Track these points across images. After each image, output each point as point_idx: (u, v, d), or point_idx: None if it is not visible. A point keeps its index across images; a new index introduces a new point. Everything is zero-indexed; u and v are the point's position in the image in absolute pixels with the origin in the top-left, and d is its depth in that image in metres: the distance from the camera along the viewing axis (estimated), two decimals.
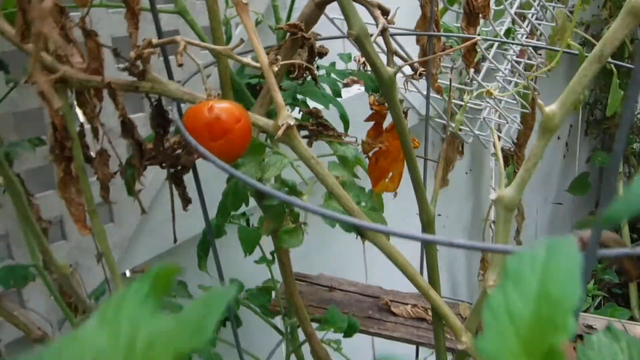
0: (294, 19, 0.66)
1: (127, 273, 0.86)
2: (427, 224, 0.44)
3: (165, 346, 0.11)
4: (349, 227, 0.44)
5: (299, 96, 0.63)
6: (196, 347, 0.11)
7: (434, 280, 0.46)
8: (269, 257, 0.67)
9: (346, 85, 1.10)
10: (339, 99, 0.67)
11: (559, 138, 1.67)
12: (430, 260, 0.45)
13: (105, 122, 0.52)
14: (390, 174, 0.48)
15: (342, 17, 0.85)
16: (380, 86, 0.41)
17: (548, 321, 0.11)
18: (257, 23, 0.71)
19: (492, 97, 0.95)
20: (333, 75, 0.76)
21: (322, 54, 0.54)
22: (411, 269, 0.44)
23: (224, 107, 0.38)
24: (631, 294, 1.52)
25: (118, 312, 0.12)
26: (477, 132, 1.04)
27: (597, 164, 1.72)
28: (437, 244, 0.29)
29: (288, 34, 0.50)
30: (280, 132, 0.39)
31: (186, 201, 0.50)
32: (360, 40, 0.39)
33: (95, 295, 0.58)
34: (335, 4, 0.57)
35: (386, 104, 0.47)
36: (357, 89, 1.01)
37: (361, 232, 0.44)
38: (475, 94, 0.64)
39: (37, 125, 0.69)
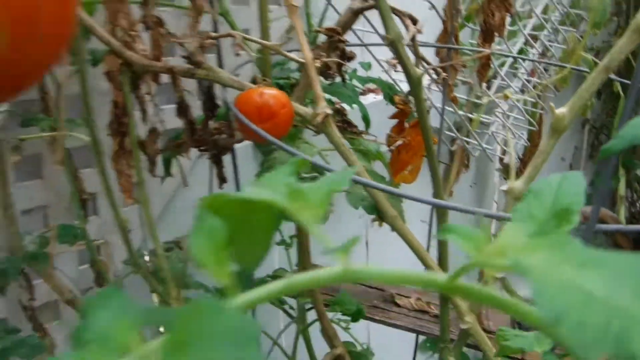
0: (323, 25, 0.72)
1: (146, 255, 0.91)
2: (441, 213, 0.49)
3: (317, 190, 0.16)
4: (371, 209, 0.49)
5: (326, 95, 0.68)
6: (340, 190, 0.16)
7: (443, 262, 0.51)
8: (283, 239, 0.72)
9: (362, 93, 1.16)
10: None
11: (563, 159, 1.73)
12: (441, 245, 0.50)
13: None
14: (410, 166, 0.53)
15: (363, 28, 0.91)
16: (409, 85, 0.46)
17: (559, 218, 0.16)
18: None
19: (504, 110, 1.01)
20: (354, 82, 0.82)
21: (351, 58, 0.59)
22: (423, 251, 0.49)
23: (273, 94, 0.44)
24: None
25: (272, 180, 0.17)
26: (484, 146, 1.09)
27: (600, 187, 1.77)
28: (452, 209, 0.34)
29: (319, 36, 0.55)
30: (319, 119, 0.44)
31: (222, 180, 0.55)
32: (395, 44, 0.45)
33: (132, 262, 0.63)
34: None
35: (409, 103, 0.52)
36: (373, 97, 1.07)
37: (381, 216, 0.49)
38: (493, 95, 0.69)
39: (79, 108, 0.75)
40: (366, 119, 0.65)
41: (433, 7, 0.81)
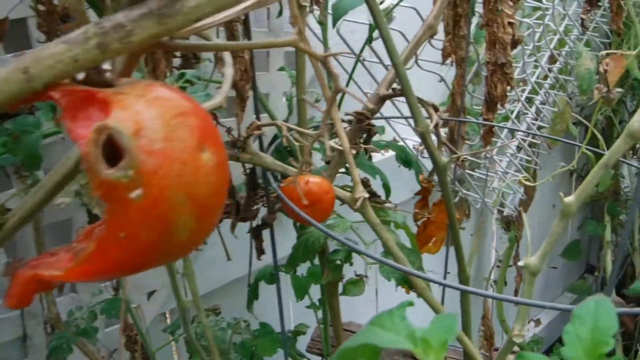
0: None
1: (167, 313, 0.95)
2: (464, 283, 0.55)
3: (435, 336, 0.21)
4: (401, 281, 0.54)
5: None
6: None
7: (467, 329, 0.56)
8: (313, 303, 0.76)
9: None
10: None
11: (554, 206, 1.81)
12: (465, 316, 0.56)
13: None
14: (434, 239, 0.59)
15: None
16: (436, 171, 0.52)
17: (599, 341, 0.21)
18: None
19: (503, 167, 1.08)
20: None
21: (374, 133, 0.66)
22: None
23: (317, 182, 0.49)
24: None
25: (389, 321, 0.22)
26: (485, 200, 1.16)
27: (588, 233, 1.85)
28: (480, 295, 0.39)
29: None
30: (358, 204, 0.49)
31: (261, 252, 0.60)
32: (424, 135, 0.51)
33: (171, 330, 0.67)
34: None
35: (432, 182, 0.58)
36: (381, 154, 1.14)
37: (411, 286, 0.55)
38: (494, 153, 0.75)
39: None
40: (387, 187, 0.71)
41: (442, 79, 0.88)
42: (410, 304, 0.23)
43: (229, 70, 0.33)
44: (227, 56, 0.36)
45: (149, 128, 0.19)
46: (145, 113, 0.20)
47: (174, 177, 0.19)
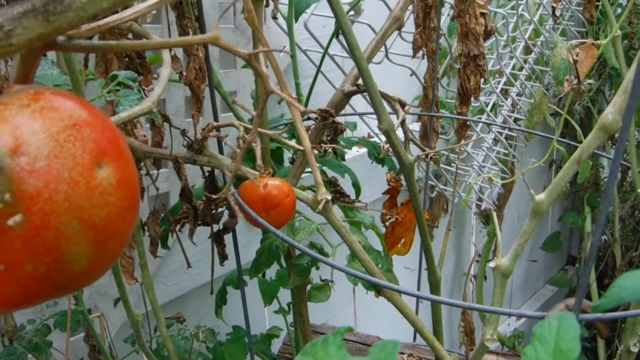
0: (313, 94, 0.76)
1: None
2: (435, 285, 0.53)
3: None
4: (369, 286, 0.52)
5: (318, 165, 0.71)
6: None
7: (438, 333, 0.54)
8: (281, 307, 0.74)
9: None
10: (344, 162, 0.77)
11: None
12: (435, 316, 0.53)
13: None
14: (403, 240, 0.56)
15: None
16: (402, 170, 0.50)
17: None
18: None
19: (480, 161, 1.06)
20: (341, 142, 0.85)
21: (342, 131, 0.63)
22: (419, 323, 0.52)
23: (277, 185, 0.46)
24: (599, 348, 1.61)
25: (323, 351, 0.19)
26: (462, 194, 1.14)
27: (568, 224, 1.85)
28: (449, 305, 0.37)
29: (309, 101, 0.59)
30: (320, 206, 0.47)
31: (223, 257, 0.57)
32: (388, 133, 0.48)
33: (131, 340, 0.64)
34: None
35: (400, 181, 0.56)
36: (357, 151, 1.11)
37: (379, 290, 0.52)
38: (469, 147, 0.73)
39: None
40: (357, 187, 0.68)
41: (414, 73, 0.86)
42: (349, 329, 0.21)
43: (165, 72, 0.30)
44: (165, 55, 0.33)
45: (30, 144, 0.17)
46: (28, 126, 0.17)
47: (62, 200, 0.17)
